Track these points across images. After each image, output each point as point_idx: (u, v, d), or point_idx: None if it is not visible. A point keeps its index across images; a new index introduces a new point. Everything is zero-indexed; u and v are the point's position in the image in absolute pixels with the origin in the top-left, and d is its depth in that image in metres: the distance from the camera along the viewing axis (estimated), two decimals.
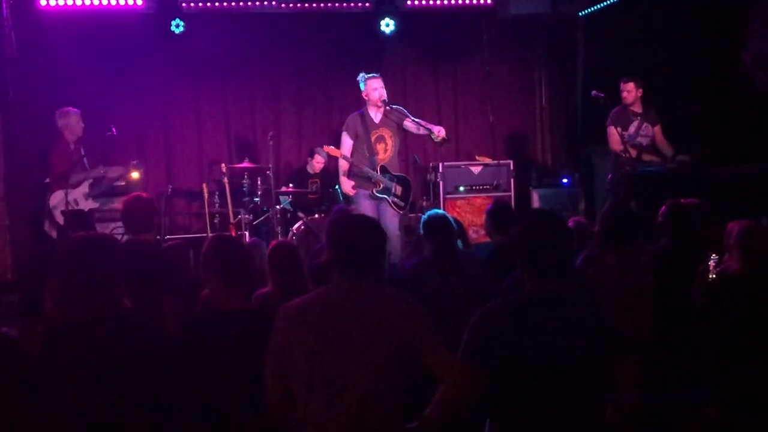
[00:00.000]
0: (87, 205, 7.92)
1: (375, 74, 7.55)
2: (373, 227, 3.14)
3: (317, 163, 9.49)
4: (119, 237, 4.87)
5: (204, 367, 3.25)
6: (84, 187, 8.00)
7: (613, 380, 3.00)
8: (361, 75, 7.57)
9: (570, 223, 5.83)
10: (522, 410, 2.94)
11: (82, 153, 8.11)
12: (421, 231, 4.94)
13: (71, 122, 8.09)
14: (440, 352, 2.97)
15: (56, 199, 7.78)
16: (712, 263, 4.20)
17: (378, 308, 2.97)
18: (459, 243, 5.14)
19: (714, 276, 4.18)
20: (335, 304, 2.99)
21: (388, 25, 9.64)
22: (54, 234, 7.79)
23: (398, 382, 2.95)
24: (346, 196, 8.12)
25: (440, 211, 5.20)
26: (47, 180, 7.99)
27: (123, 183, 8.26)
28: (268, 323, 3.06)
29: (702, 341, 4.16)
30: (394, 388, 2.94)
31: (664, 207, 5.18)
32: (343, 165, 7.49)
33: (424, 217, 4.98)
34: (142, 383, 3.16)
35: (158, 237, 7.79)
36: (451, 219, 4.95)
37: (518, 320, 2.96)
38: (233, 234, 8.32)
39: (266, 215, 8.95)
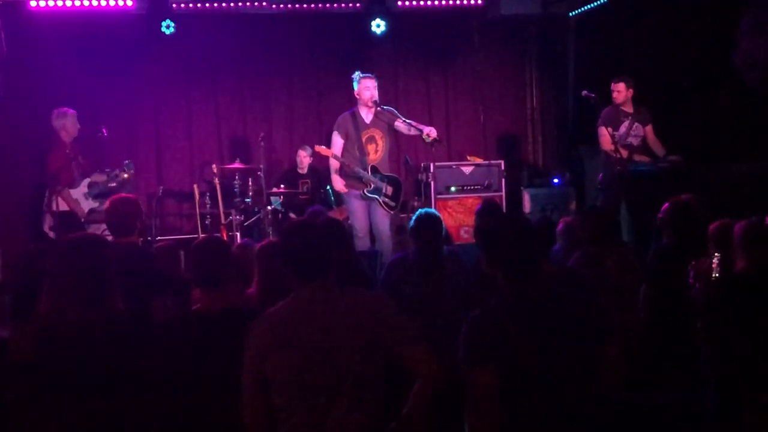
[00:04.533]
0: (86, 205, 7.93)
1: (370, 75, 7.53)
2: (314, 228, 3.11)
3: (303, 158, 9.44)
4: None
5: (184, 369, 3.24)
6: (83, 188, 7.99)
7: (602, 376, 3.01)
8: (356, 73, 7.55)
9: (560, 224, 5.85)
10: (511, 409, 2.93)
11: (78, 154, 8.08)
12: (410, 228, 4.95)
13: (68, 123, 8.07)
14: (412, 344, 2.97)
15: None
16: (715, 262, 4.17)
17: (344, 310, 2.94)
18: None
19: (717, 275, 4.15)
20: (300, 312, 2.95)
21: (379, 26, 9.61)
22: (52, 234, 7.78)
23: (376, 380, 2.93)
24: (337, 195, 8.10)
25: (431, 211, 5.19)
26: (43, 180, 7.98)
27: (114, 184, 8.24)
28: (244, 324, 3.03)
29: (704, 340, 4.14)
30: (373, 388, 2.92)
31: (666, 204, 5.17)
32: (334, 163, 7.47)
33: (416, 215, 4.97)
34: (134, 385, 3.14)
35: (149, 238, 7.80)
36: (441, 220, 4.95)
37: (495, 325, 2.94)
38: (223, 235, 8.31)
39: (257, 216, 8.94)
